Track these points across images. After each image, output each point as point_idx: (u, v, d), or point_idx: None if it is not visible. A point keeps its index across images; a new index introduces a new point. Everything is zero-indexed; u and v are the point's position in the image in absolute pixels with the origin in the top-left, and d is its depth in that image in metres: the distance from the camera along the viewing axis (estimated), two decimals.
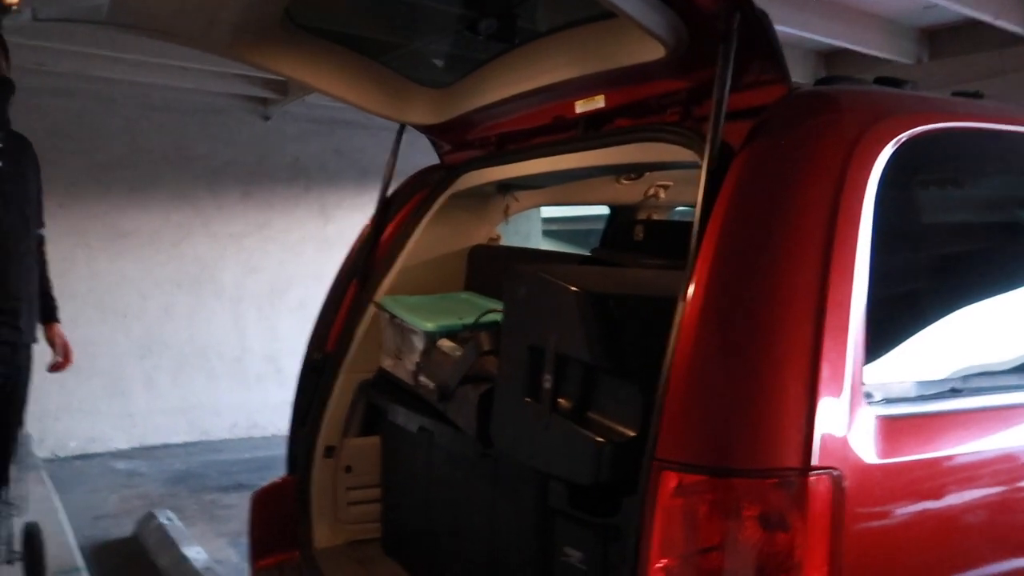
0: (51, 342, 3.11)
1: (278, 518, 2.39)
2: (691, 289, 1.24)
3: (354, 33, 2.29)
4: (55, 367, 3.14)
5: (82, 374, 6.05)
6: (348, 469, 2.46)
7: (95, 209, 6.13)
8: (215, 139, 6.53)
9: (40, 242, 3.04)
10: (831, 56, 5.08)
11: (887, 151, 1.32)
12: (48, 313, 3.10)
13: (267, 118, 6.64)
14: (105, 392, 6.19)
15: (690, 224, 1.33)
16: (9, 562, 3.34)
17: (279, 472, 2.63)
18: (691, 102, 1.62)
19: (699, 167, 1.36)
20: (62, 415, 5.93)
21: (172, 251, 6.41)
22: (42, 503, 4.14)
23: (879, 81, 1.72)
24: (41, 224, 3.02)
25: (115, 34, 4.05)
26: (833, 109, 1.39)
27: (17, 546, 3.34)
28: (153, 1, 1.84)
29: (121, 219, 6.23)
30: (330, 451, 2.42)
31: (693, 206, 1.34)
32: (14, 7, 1.22)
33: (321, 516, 2.41)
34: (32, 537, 3.28)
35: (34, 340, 2.91)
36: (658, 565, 1.17)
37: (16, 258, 2.78)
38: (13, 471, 3.08)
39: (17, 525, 3.38)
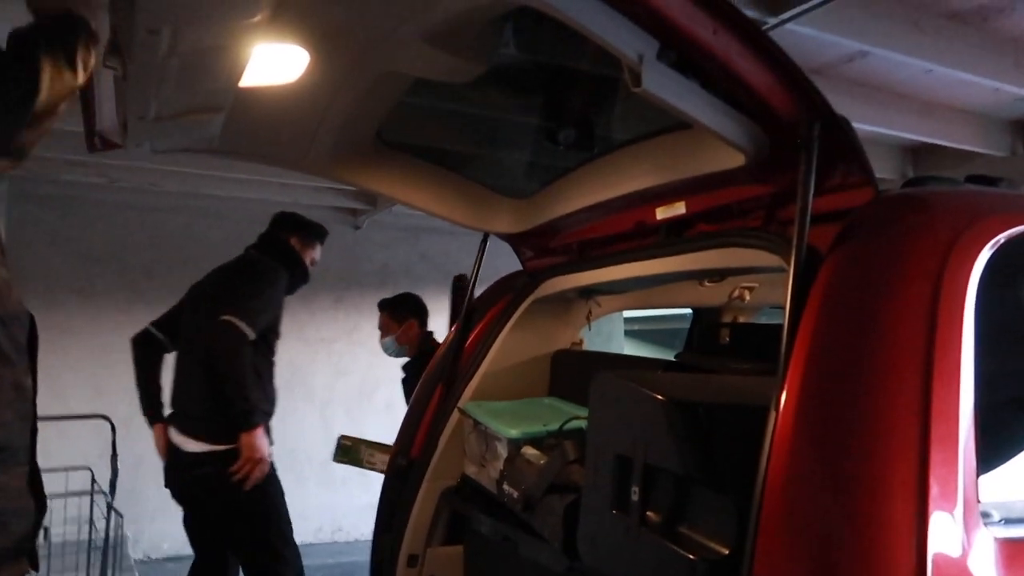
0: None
1: None
2: (783, 398, 1.19)
3: (439, 148, 2.41)
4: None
5: None
6: None
7: None
8: None
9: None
10: (919, 151, 4.99)
11: (985, 253, 1.27)
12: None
13: (357, 227, 6.95)
14: None
15: (778, 327, 1.30)
16: None
17: None
18: (774, 206, 1.61)
19: (784, 270, 1.34)
20: (158, 516, 6.07)
21: None
22: None
23: (972, 179, 1.68)
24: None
25: (222, 158, 4.38)
26: (925, 211, 1.35)
27: None
28: (257, 131, 1.99)
29: None
30: (413, 560, 2.39)
31: (780, 307, 1.31)
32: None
33: None
34: None
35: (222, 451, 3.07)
36: None
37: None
38: None
39: None
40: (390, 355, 4.01)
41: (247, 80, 1.69)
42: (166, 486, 3.26)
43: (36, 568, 1.55)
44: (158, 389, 3.34)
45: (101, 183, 5.51)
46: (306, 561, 5.98)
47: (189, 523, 3.35)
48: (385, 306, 4.06)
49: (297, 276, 3.39)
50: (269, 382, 3.27)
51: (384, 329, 4.01)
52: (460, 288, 3.96)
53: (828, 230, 1.35)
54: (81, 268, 6.06)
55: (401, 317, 3.96)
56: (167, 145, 1.98)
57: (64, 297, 5.93)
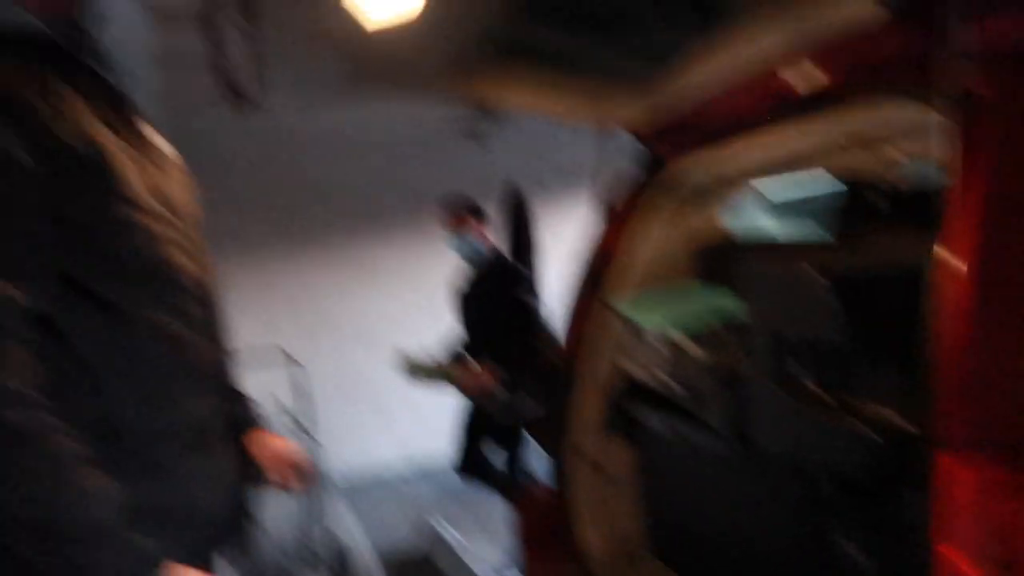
0: None
1: (543, 526, 2.50)
2: (953, 262, 1.13)
3: (555, 50, 2.34)
4: None
5: (348, 398, 6.70)
6: (603, 473, 2.51)
7: None
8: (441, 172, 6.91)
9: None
10: None
11: None
12: None
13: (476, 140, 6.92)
14: (374, 412, 6.78)
15: (936, 192, 1.22)
16: None
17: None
18: (926, 56, 1.48)
19: (943, 126, 1.25)
20: (348, 435, 6.58)
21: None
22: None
23: None
24: None
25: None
26: None
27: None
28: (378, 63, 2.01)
29: None
30: (578, 453, 2.49)
31: (939, 169, 1.23)
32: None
33: (583, 521, 2.49)
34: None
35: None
36: (949, 558, 1.08)
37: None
38: None
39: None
40: (463, 256, 4.13)
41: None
42: None
43: None
44: None
45: None
46: None
47: None
48: (469, 207, 4.14)
49: None
50: None
51: (460, 228, 4.09)
52: (516, 203, 4.09)
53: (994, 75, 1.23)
54: None
55: (480, 218, 4.07)
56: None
57: None
